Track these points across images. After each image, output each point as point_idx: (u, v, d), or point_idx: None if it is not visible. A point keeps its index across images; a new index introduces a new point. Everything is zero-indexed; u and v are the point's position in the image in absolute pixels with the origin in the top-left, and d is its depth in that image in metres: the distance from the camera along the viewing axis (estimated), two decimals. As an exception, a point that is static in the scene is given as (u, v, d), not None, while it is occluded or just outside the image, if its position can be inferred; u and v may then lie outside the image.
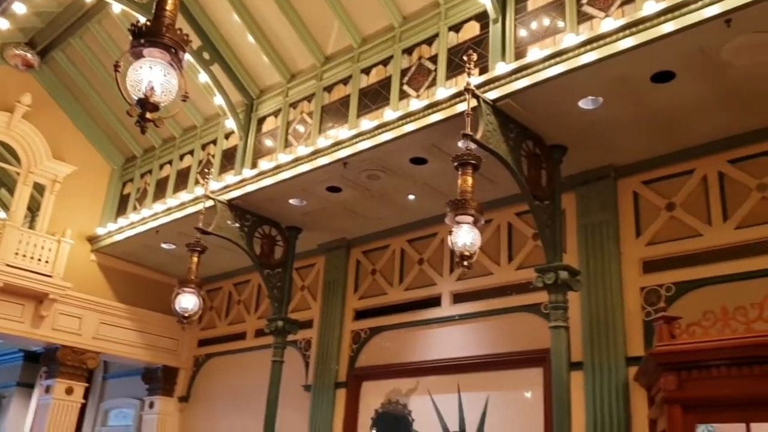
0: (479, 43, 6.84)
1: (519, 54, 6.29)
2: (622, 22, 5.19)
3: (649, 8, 5.06)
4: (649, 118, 6.02)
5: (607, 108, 5.86)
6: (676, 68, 5.33)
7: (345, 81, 8.29)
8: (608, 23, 5.30)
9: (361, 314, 8.92)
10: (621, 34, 5.14)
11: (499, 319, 7.49)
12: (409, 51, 7.65)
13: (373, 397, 8.37)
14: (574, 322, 6.51)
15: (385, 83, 7.72)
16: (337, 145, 7.14)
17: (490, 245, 7.74)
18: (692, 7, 4.82)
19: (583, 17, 6.16)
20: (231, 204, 8.18)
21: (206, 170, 8.93)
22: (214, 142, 10.22)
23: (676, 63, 5.27)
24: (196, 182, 9.86)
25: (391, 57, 7.79)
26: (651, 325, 5.66)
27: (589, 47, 5.32)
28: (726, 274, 5.95)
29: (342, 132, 7.32)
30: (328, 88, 8.51)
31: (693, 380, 4.91)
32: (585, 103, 5.84)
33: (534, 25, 6.48)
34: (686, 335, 5.07)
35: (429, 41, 7.47)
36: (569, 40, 5.51)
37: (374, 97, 7.77)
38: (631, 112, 5.93)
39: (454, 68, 6.94)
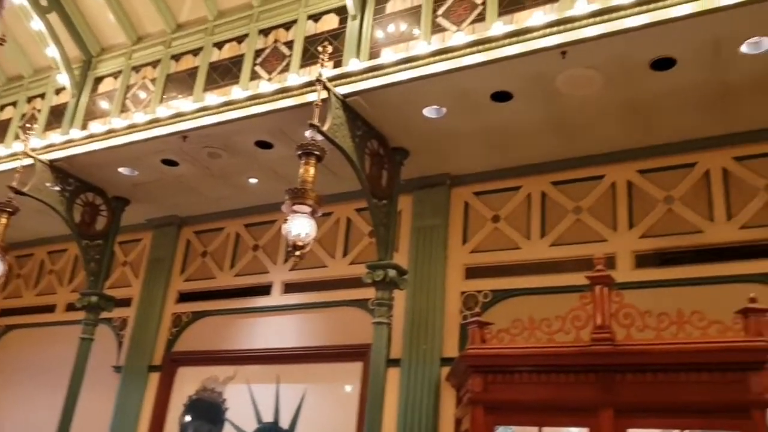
0: (336, 37, 6.84)
1: (373, 54, 6.37)
2: (471, 38, 5.41)
3: (496, 29, 5.33)
4: (486, 134, 6.34)
5: (450, 118, 6.09)
6: (515, 89, 5.65)
7: (195, 52, 7.94)
8: (459, 37, 5.51)
9: (185, 297, 8.58)
10: (468, 50, 5.36)
11: (328, 312, 7.54)
12: (265, 32, 7.48)
13: (189, 383, 8.08)
14: (398, 320, 6.73)
15: (237, 61, 7.49)
16: (179, 116, 6.80)
17: (328, 238, 7.79)
18: (534, 34, 5.14)
19: (436, 28, 6.37)
20: (53, 165, 7.52)
21: (29, 125, 8.16)
22: (42, 96, 9.37)
23: (515, 84, 5.59)
24: (16, 137, 8.98)
25: (247, 35, 7.58)
26: (466, 329, 5.95)
27: (438, 58, 5.49)
28: (537, 286, 6.41)
29: (185, 104, 6.99)
30: (176, 57, 8.11)
31: (498, 383, 5.24)
32: (429, 111, 6.03)
33: (391, 28, 6.59)
34: (496, 340, 5.39)
35: (287, 26, 7.35)
36: (421, 47, 5.67)
37: (224, 73, 7.52)
38: (471, 126, 6.21)
39: (309, 57, 6.89)
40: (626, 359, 4.81)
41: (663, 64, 5.20)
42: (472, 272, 6.87)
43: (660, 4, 4.78)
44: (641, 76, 5.35)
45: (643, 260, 6.11)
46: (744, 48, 4.96)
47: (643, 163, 6.35)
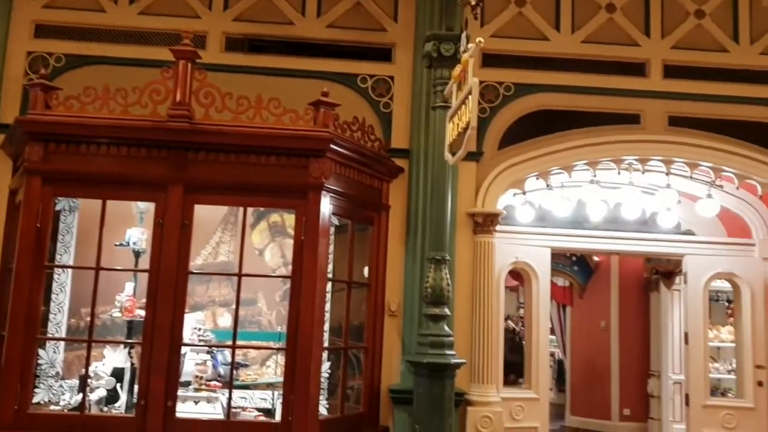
0: None
1: None
2: None
3: None
4: None
5: None
6: None
7: None
8: None
9: None
10: None
11: None
12: None
13: None
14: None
15: None
16: None
17: None
18: None
19: None
20: None
21: None
22: None
23: None
24: None
25: None
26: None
27: None
28: (120, 56, 5.85)
29: None
30: None
31: (60, 153, 4.77)
32: None
33: None
34: (63, 108, 4.84)
35: None
36: None
37: None
38: None
39: None
40: (201, 138, 4.78)
41: None
42: (43, 31, 5.91)
43: None
44: None
45: (232, 44, 5.99)
46: None
47: (244, -60, 6.04)
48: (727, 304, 9.51)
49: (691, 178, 6.59)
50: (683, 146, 6.21)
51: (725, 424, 6.76)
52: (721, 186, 6.79)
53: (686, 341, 7.15)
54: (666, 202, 7.07)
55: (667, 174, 6.57)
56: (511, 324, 10.18)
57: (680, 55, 6.32)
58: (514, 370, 9.36)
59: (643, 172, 6.51)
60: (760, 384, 6.82)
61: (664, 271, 9.58)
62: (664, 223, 7.50)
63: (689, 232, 7.77)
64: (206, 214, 5.38)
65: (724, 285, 7.90)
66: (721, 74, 6.30)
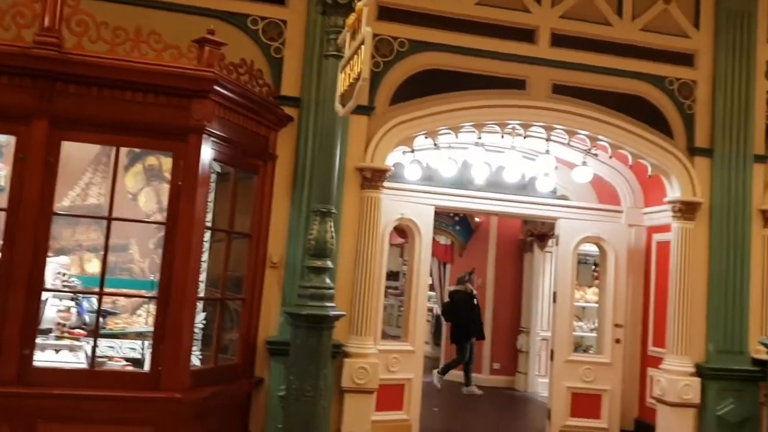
0: None
1: None
2: None
3: None
4: None
5: None
6: None
7: None
8: None
9: None
10: None
11: None
12: None
13: None
14: None
15: None
16: None
17: None
18: None
19: None
20: None
21: None
22: None
23: None
24: None
25: None
26: None
27: None
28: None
29: None
30: None
31: None
32: None
33: None
34: None
35: None
36: None
37: None
38: None
39: None
40: (71, 69, 4.39)
41: None
42: None
43: None
44: None
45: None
46: None
47: None
48: (594, 267, 10.10)
49: (569, 145, 6.86)
50: (564, 114, 6.45)
51: (584, 377, 7.22)
52: (596, 155, 7.14)
53: (554, 300, 7.55)
54: (544, 168, 7.34)
55: (547, 140, 6.81)
56: (470, 287, 10.19)
57: (568, 25, 6.50)
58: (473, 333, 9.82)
59: (525, 137, 6.71)
60: (617, 341, 7.34)
61: (538, 233, 10.03)
62: (541, 187, 7.80)
63: (564, 198, 8.14)
64: (76, 153, 5.02)
65: (592, 249, 8.36)
66: (603, 47, 6.57)
